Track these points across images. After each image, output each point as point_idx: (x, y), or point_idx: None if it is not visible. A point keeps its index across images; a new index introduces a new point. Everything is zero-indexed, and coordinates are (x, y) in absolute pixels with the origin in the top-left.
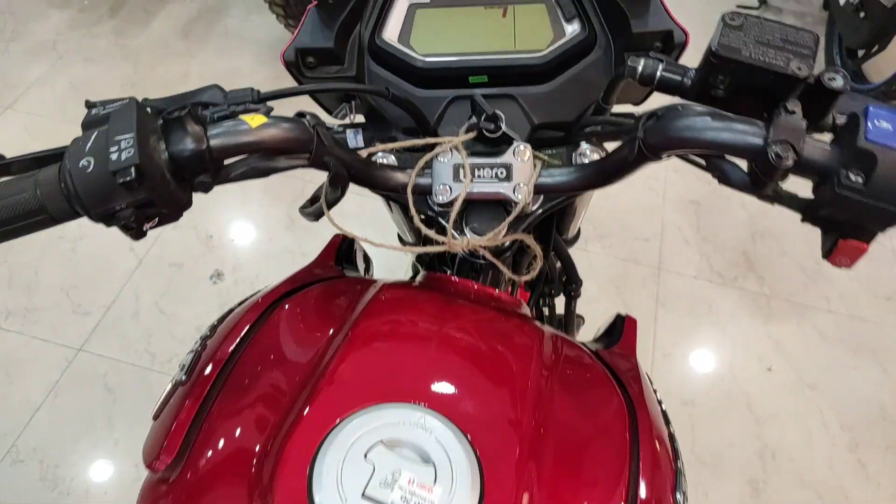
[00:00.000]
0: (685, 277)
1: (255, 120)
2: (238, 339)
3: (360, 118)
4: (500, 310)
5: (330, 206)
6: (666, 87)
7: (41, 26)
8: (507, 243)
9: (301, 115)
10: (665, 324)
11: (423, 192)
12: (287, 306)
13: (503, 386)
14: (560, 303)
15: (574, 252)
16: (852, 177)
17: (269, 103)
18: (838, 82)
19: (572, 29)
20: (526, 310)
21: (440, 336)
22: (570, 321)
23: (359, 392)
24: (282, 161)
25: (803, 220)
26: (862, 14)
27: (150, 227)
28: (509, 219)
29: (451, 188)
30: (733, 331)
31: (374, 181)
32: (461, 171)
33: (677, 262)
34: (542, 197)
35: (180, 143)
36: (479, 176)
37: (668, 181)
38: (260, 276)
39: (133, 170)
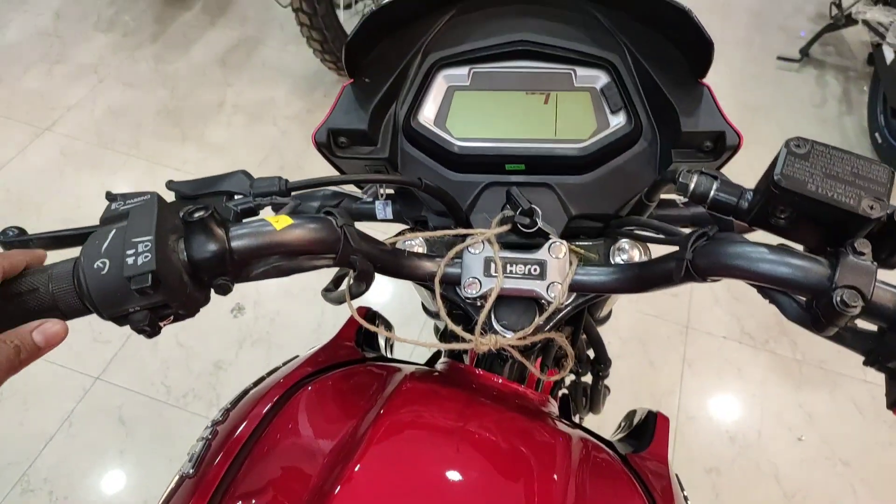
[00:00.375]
0: (714, 338)
1: (279, 221)
2: (252, 430)
3: (389, 188)
4: (525, 409)
5: (354, 298)
6: (719, 208)
7: (85, 49)
8: (538, 342)
9: (328, 213)
10: (691, 385)
11: (452, 282)
12: (305, 395)
13: (526, 501)
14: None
15: (603, 327)
16: None
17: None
18: None
19: (617, 121)
20: (553, 407)
21: (462, 444)
22: (596, 399)
23: (381, 488)
24: (306, 261)
25: (867, 363)
26: None
27: (165, 325)
28: (540, 319)
29: (480, 282)
30: (763, 397)
31: (402, 271)
32: (492, 265)
33: (706, 322)
34: (575, 293)
35: (201, 246)
36: (510, 272)
37: None
38: (280, 313)
39: (149, 277)
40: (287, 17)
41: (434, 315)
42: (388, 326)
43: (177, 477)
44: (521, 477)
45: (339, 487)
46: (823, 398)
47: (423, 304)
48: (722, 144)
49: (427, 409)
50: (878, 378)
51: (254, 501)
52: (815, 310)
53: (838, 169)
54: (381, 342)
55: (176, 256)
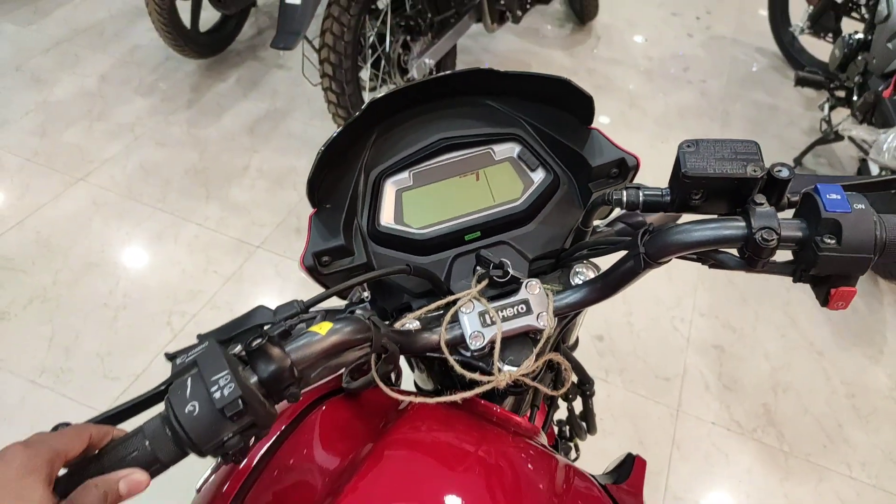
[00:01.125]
0: (703, 423)
1: (322, 328)
2: (280, 431)
3: (367, 292)
4: (518, 435)
5: (382, 379)
6: (650, 207)
7: (125, 110)
8: (541, 366)
9: (352, 310)
10: (679, 468)
11: (455, 344)
12: (325, 408)
13: None
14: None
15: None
16: (827, 241)
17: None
18: (785, 173)
19: (538, 176)
20: (543, 438)
21: (463, 459)
22: (590, 420)
23: (383, 499)
24: (349, 354)
25: (795, 280)
26: (893, 191)
27: (251, 445)
28: (540, 344)
29: (483, 334)
30: (748, 486)
31: (413, 347)
32: (487, 316)
33: (696, 407)
34: (556, 318)
35: (266, 367)
36: (504, 316)
37: (693, 324)
38: None
39: (239, 402)
40: (315, 94)
41: (427, 393)
42: (399, 373)
43: (215, 462)
44: (513, 493)
45: (346, 492)
46: (808, 491)
47: (415, 383)
48: (625, 168)
49: (431, 434)
50: (862, 475)
51: (277, 491)
52: (746, 254)
53: (723, 153)
54: (393, 376)
55: (249, 381)
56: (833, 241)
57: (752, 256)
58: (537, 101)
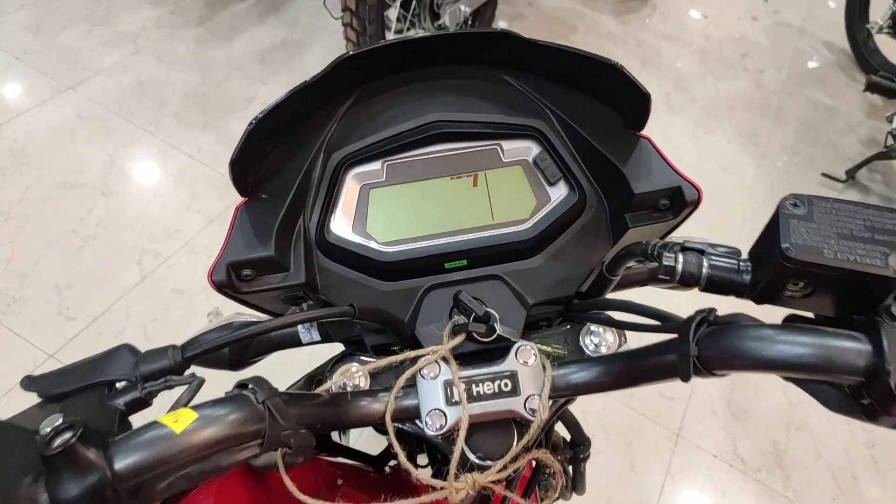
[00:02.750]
0: (704, 453)
1: (179, 419)
2: None
3: None
4: None
5: (289, 468)
6: (716, 288)
7: (130, 18)
8: (520, 467)
9: (242, 385)
10: (670, 499)
11: (410, 417)
12: (217, 487)
13: None
14: None
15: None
16: None
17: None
18: None
19: (558, 193)
20: None
21: None
22: (578, 482)
23: None
24: (225, 457)
25: None
26: None
27: None
28: (522, 442)
29: (445, 414)
30: None
31: (348, 420)
32: (454, 391)
33: (699, 434)
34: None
35: (70, 483)
36: (478, 393)
37: None
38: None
39: None
40: (337, 28)
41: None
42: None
43: None
44: None
45: None
46: None
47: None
48: (680, 201)
49: None
50: None
51: None
52: (867, 399)
53: (850, 225)
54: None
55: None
56: None
57: (876, 405)
58: (573, 88)
